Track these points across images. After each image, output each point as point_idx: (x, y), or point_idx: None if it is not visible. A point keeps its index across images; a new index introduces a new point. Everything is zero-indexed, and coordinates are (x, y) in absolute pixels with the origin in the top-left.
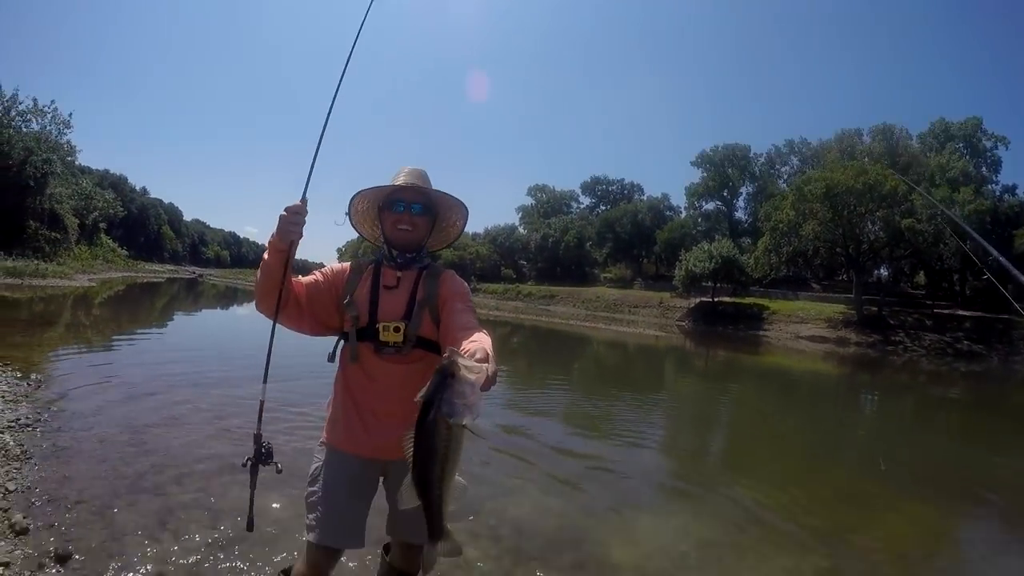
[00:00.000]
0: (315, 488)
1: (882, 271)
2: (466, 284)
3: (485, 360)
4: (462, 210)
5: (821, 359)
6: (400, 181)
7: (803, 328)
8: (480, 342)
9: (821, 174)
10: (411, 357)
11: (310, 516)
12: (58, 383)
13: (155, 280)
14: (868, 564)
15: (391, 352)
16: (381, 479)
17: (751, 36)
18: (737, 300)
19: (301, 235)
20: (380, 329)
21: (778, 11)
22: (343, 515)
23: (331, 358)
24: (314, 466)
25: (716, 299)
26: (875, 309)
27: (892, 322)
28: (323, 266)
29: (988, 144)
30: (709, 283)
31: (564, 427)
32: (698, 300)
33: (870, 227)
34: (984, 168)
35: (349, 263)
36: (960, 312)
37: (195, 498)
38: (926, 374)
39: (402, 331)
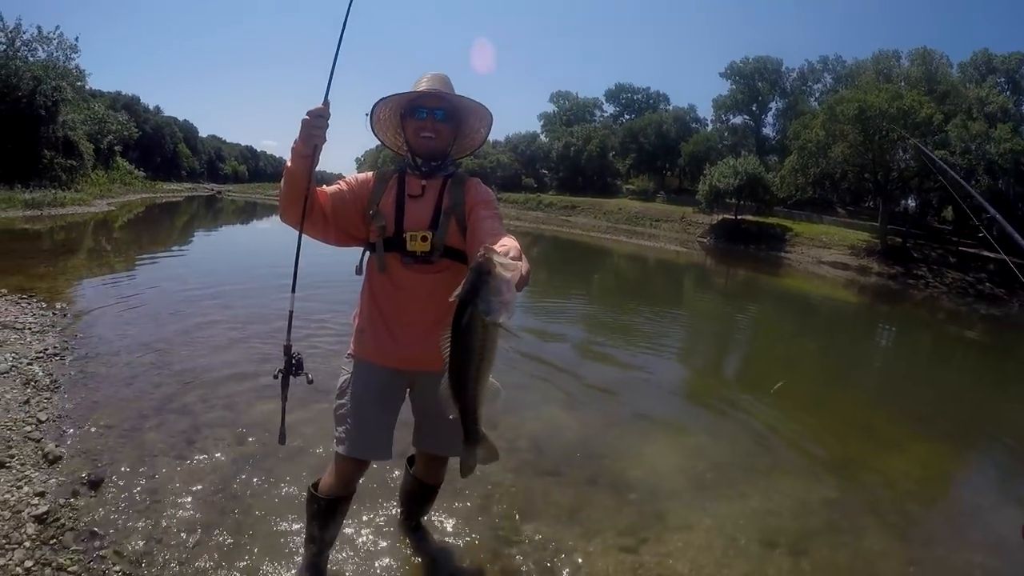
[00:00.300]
0: (343, 400)
1: (910, 202)
2: (492, 192)
3: (519, 259)
4: (486, 116)
5: (842, 286)
6: (423, 87)
7: (825, 253)
8: (510, 243)
9: (855, 94)
10: (439, 266)
11: (339, 428)
12: (84, 311)
13: (174, 200)
14: (872, 498)
15: (419, 261)
16: (408, 390)
17: None
18: (760, 219)
19: (325, 139)
20: (407, 239)
21: None
22: (372, 427)
23: (359, 270)
24: (342, 378)
25: (739, 217)
26: (900, 240)
27: (916, 255)
28: (343, 176)
29: None
30: (733, 200)
31: (582, 341)
32: (721, 217)
33: (901, 155)
34: None
35: (372, 172)
36: (985, 253)
37: (221, 416)
38: (945, 312)
39: (429, 240)
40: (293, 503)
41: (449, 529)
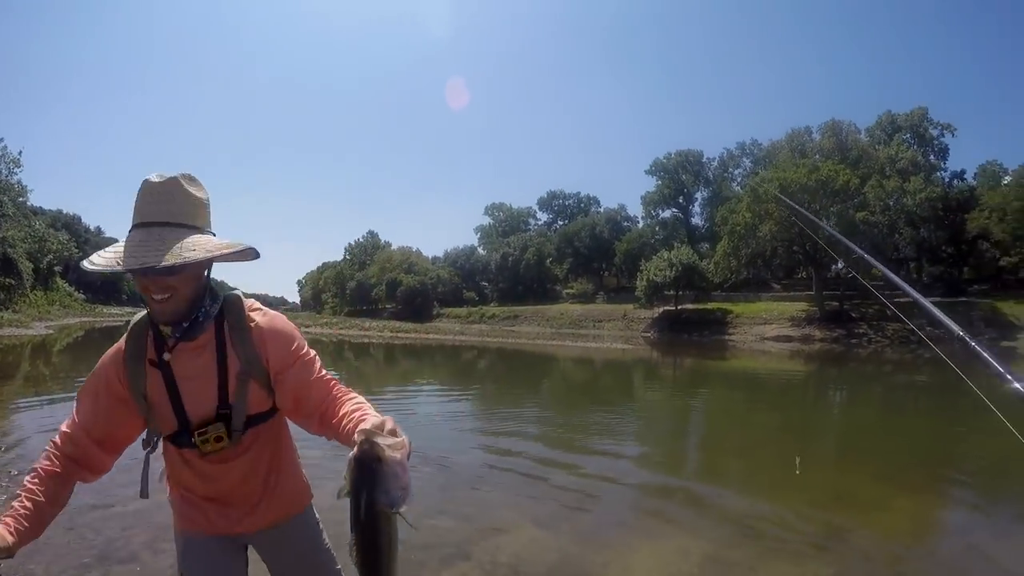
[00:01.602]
0: None
1: (839, 265)
2: (287, 322)
3: (395, 429)
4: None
5: (788, 358)
6: (133, 237)
7: (767, 329)
8: (367, 407)
9: (775, 173)
10: (245, 443)
11: None
12: (17, 443)
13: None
14: (868, 564)
15: (219, 452)
16: (250, 548)
17: (695, 39)
18: (700, 306)
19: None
20: (197, 439)
21: (724, 15)
22: None
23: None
24: (178, 563)
25: (679, 307)
26: (836, 304)
27: (854, 315)
28: (284, 301)
29: (935, 132)
30: (671, 292)
31: (541, 451)
32: (661, 310)
33: (825, 222)
34: (932, 156)
35: (122, 345)
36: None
37: (172, 564)
38: (891, 363)
39: (225, 436)
40: None
41: None
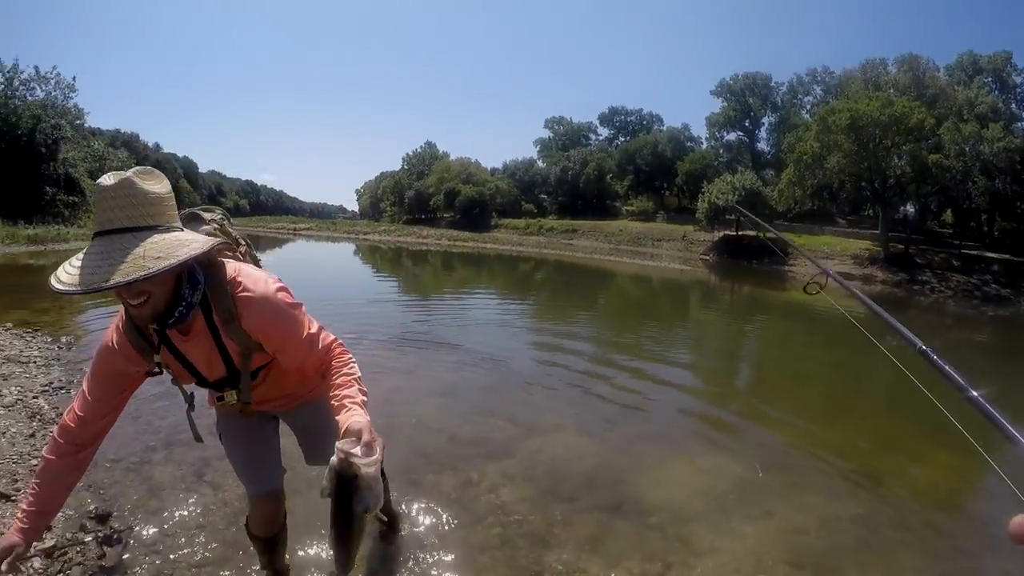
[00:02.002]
0: (225, 446)
1: (909, 208)
2: (276, 304)
3: (371, 440)
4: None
5: (847, 296)
6: (89, 251)
7: (829, 264)
8: (354, 412)
9: (846, 104)
10: (260, 378)
11: (235, 471)
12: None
13: None
14: (900, 512)
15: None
16: (279, 419)
17: None
18: (761, 234)
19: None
20: (218, 398)
21: None
22: (255, 462)
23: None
24: (217, 424)
25: (740, 233)
26: (902, 247)
27: (919, 261)
28: (344, 210)
29: (1018, 79)
30: (732, 216)
31: (592, 362)
32: (722, 234)
33: (896, 161)
34: (1014, 104)
35: (122, 333)
36: (988, 254)
37: None
38: (952, 316)
39: (236, 395)
40: (304, 537)
41: (469, 561)
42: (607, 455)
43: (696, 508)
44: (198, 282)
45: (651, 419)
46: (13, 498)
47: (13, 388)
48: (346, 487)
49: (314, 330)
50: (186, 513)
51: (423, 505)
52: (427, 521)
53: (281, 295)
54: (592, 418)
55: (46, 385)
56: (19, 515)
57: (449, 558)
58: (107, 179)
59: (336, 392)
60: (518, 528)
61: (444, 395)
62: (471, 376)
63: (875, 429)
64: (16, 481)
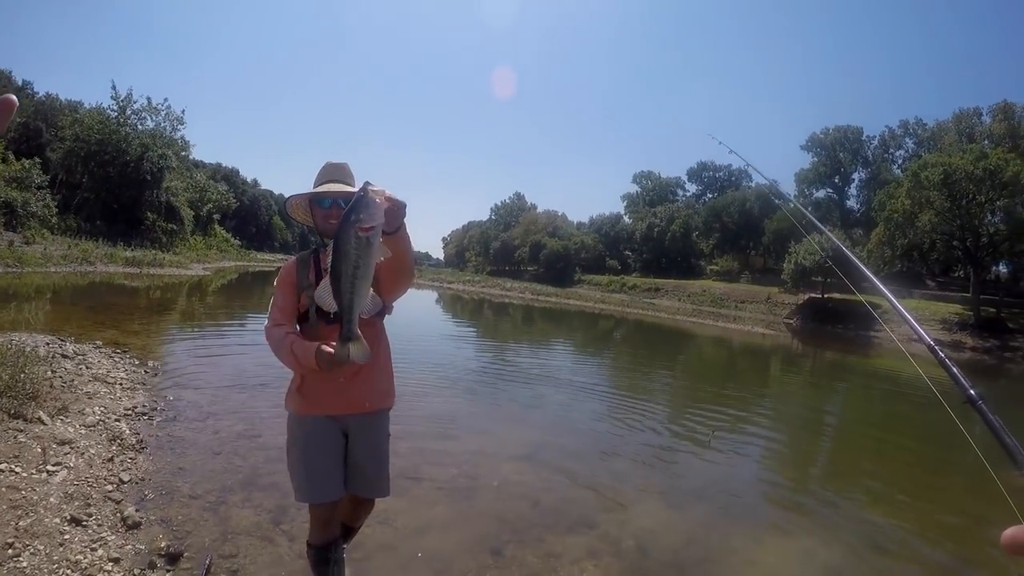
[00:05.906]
0: (292, 455)
1: (1001, 268)
2: None
3: (391, 195)
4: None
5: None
6: (324, 184)
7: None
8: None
9: (938, 158)
10: (364, 324)
11: (294, 481)
12: (174, 371)
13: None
14: None
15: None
16: (345, 436)
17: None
18: (847, 296)
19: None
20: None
21: None
22: (320, 472)
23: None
24: (287, 437)
25: (826, 295)
26: (993, 311)
27: (1011, 326)
28: (428, 257)
29: None
30: (819, 278)
31: (672, 430)
32: (808, 296)
33: (990, 218)
34: None
35: (295, 258)
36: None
37: None
38: None
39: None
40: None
41: None
42: (693, 531)
43: None
44: None
45: (735, 495)
46: (84, 523)
47: (97, 408)
48: (355, 201)
49: None
50: (260, 565)
51: None
52: None
53: None
54: (676, 491)
55: (129, 409)
56: (300, 344)
57: None
58: (334, 159)
59: None
60: None
61: (526, 459)
62: (552, 439)
63: (966, 508)
64: (89, 506)
